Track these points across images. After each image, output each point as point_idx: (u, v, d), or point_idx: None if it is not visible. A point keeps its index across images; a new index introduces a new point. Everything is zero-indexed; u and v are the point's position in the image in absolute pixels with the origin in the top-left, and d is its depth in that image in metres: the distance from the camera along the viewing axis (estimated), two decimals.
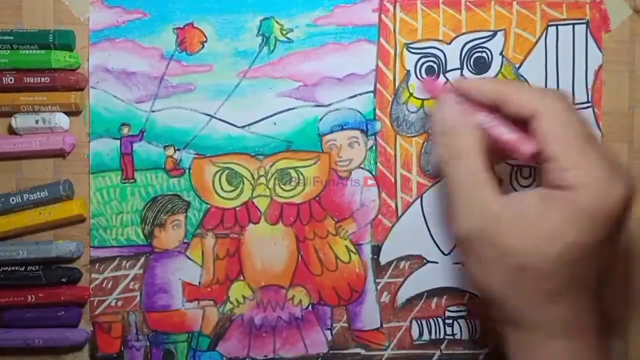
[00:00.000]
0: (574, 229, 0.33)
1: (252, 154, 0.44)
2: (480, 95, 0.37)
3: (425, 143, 0.44)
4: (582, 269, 0.34)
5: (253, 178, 0.44)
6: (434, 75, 0.44)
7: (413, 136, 0.44)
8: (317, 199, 0.44)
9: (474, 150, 0.36)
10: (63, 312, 0.42)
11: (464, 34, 0.44)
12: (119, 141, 0.43)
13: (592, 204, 0.33)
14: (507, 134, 0.36)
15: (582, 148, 0.33)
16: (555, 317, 0.35)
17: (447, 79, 0.44)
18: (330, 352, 0.44)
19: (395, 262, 0.44)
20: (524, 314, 0.35)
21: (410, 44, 0.44)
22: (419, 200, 0.44)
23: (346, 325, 0.44)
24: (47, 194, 0.42)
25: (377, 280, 0.44)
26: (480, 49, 0.44)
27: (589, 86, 0.45)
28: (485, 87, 0.37)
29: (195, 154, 0.43)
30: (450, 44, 0.44)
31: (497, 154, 0.37)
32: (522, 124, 0.36)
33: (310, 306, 0.44)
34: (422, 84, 0.43)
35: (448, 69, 0.44)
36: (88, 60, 0.43)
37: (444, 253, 0.44)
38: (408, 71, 0.44)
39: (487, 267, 0.35)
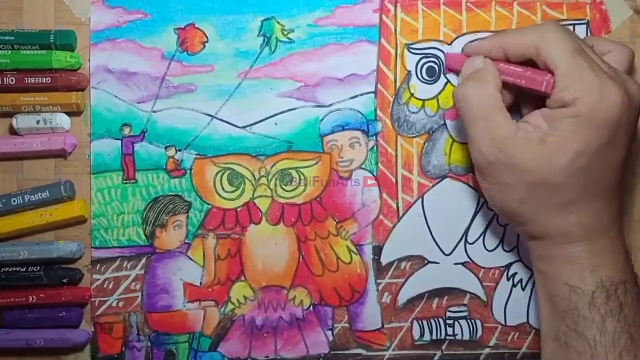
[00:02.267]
0: (576, 138, 0.36)
1: (254, 155, 0.44)
2: (487, 53, 0.40)
3: (426, 144, 0.44)
4: (591, 177, 0.37)
5: (254, 179, 0.44)
6: (436, 75, 0.44)
7: (414, 137, 0.44)
8: (318, 199, 0.44)
9: (493, 82, 0.39)
10: (64, 313, 0.42)
11: (465, 34, 0.44)
12: (120, 142, 0.43)
13: (589, 113, 0.36)
14: (527, 71, 0.39)
15: (574, 67, 0.36)
16: (572, 224, 0.38)
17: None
18: (332, 352, 0.44)
19: (396, 262, 0.44)
20: (542, 226, 0.38)
21: (412, 44, 0.44)
22: (420, 200, 0.44)
23: (347, 325, 0.44)
24: (48, 195, 0.42)
25: (379, 281, 0.44)
26: None
27: None
28: (487, 44, 0.40)
29: (196, 154, 0.43)
30: (451, 44, 0.44)
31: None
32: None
33: (311, 307, 0.44)
34: (447, 59, 0.44)
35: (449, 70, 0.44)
36: (89, 60, 0.43)
37: (445, 254, 0.44)
38: (409, 72, 0.44)
39: (505, 188, 0.38)
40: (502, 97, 0.39)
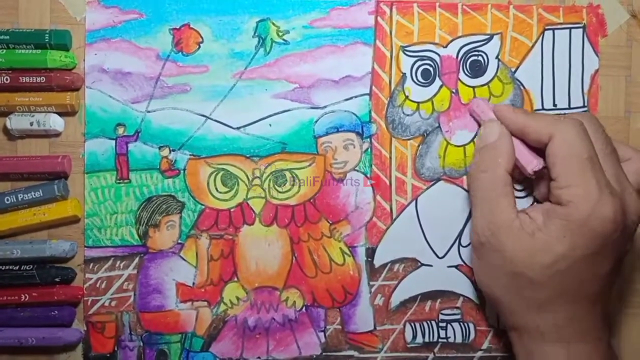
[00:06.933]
0: (562, 242, 0.36)
1: (248, 156, 0.44)
2: (508, 123, 0.41)
3: (420, 146, 0.44)
4: (572, 281, 0.37)
5: (248, 179, 0.44)
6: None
7: (408, 139, 0.44)
8: (311, 200, 0.44)
9: (504, 164, 0.39)
10: (56, 312, 0.42)
11: (460, 37, 0.44)
12: (114, 141, 0.43)
13: (579, 221, 0.36)
14: (524, 147, 0.40)
15: (580, 169, 0.37)
16: (548, 324, 0.38)
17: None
18: (324, 354, 0.44)
19: (389, 264, 0.44)
20: (520, 318, 0.39)
21: (407, 46, 0.44)
22: (413, 203, 0.44)
23: (340, 327, 0.44)
24: (41, 194, 0.42)
25: (371, 283, 0.44)
26: (476, 53, 0.44)
27: (585, 90, 0.45)
28: (510, 115, 0.41)
29: (190, 154, 0.43)
30: (446, 47, 0.44)
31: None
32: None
33: (303, 308, 0.44)
34: (473, 105, 0.43)
35: (444, 72, 0.44)
36: (84, 60, 0.43)
37: (438, 256, 0.44)
38: (404, 74, 0.44)
39: (492, 272, 0.40)
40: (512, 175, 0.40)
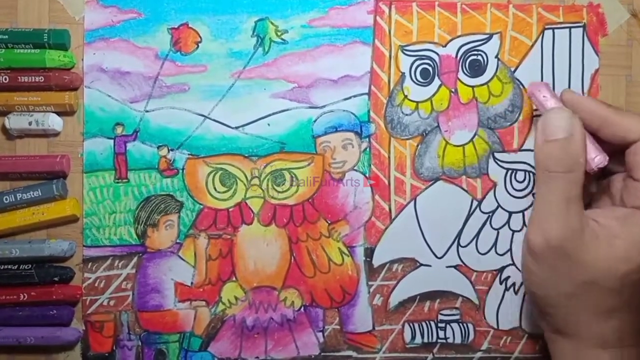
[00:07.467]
0: None
1: (246, 155, 0.44)
2: (586, 113, 0.38)
3: (419, 146, 0.44)
4: (639, 289, 0.36)
5: (246, 179, 0.44)
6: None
7: (407, 139, 0.44)
8: (310, 200, 0.44)
9: (582, 166, 0.37)
10: (55, 311, 0.42)
11: (459, 36, 0.44)
12: (112, 141, 0.43)
13: None
14: (591, 139, 0.38)
15: None
16: (611, 330, 0.37)
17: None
18: (322, 354, 0.44)
19: (388, 264, 0.44)
20: (580, 324, 0.37)
21: (406, 46, 0.44)
22: (412, 203, 0.44)
23: (338, 327, 0.44)
24: (40, 194, 0.42)
25: (370, 283, 0.44)
26: (475, 52, 0.44)
27: (585, 90, 0.44)
28: (592, 106, 0.38)
29: (188, 154, 0.43)
30: (445, 46, 0.44)
31: None
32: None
33: (302, 308, 0.44)
34: (533, 89, 0.41)
35: (443, 72, 0.44)
36: (83, 59, 0.43)
37: (437, 256, 0.44)
38: (403, 73, 0.44)
39: (555, 277, 0.37)
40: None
